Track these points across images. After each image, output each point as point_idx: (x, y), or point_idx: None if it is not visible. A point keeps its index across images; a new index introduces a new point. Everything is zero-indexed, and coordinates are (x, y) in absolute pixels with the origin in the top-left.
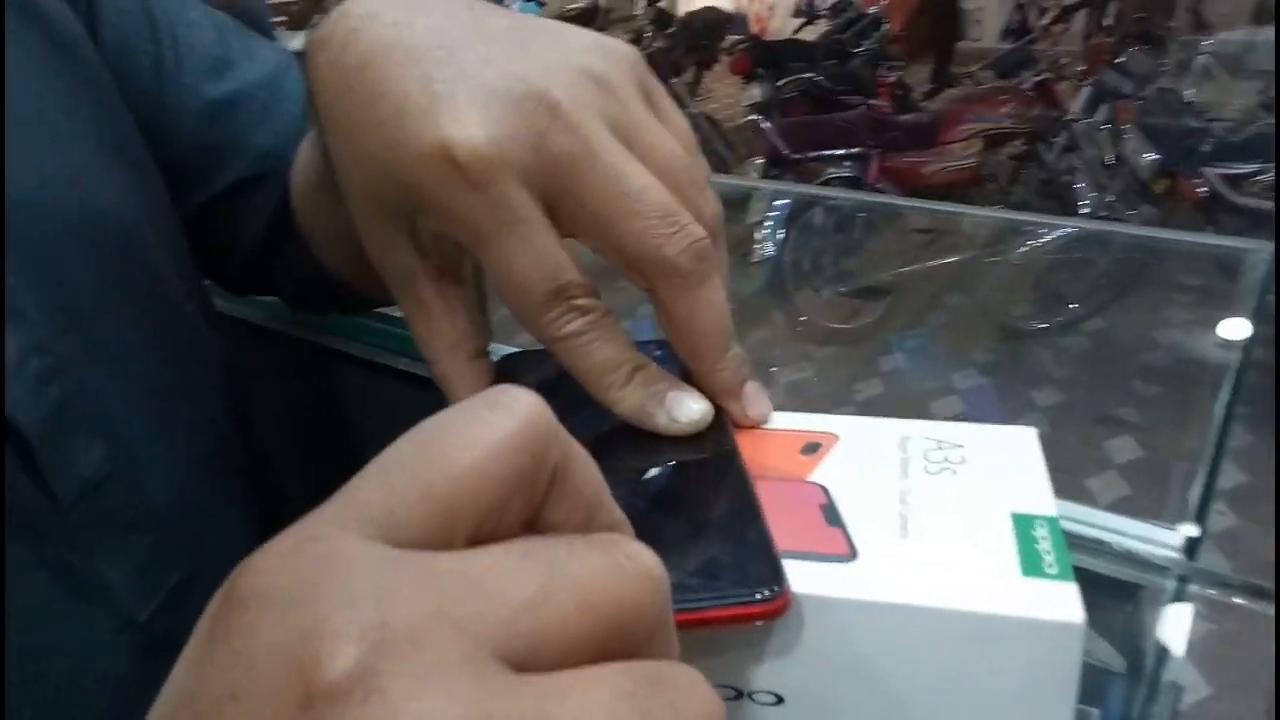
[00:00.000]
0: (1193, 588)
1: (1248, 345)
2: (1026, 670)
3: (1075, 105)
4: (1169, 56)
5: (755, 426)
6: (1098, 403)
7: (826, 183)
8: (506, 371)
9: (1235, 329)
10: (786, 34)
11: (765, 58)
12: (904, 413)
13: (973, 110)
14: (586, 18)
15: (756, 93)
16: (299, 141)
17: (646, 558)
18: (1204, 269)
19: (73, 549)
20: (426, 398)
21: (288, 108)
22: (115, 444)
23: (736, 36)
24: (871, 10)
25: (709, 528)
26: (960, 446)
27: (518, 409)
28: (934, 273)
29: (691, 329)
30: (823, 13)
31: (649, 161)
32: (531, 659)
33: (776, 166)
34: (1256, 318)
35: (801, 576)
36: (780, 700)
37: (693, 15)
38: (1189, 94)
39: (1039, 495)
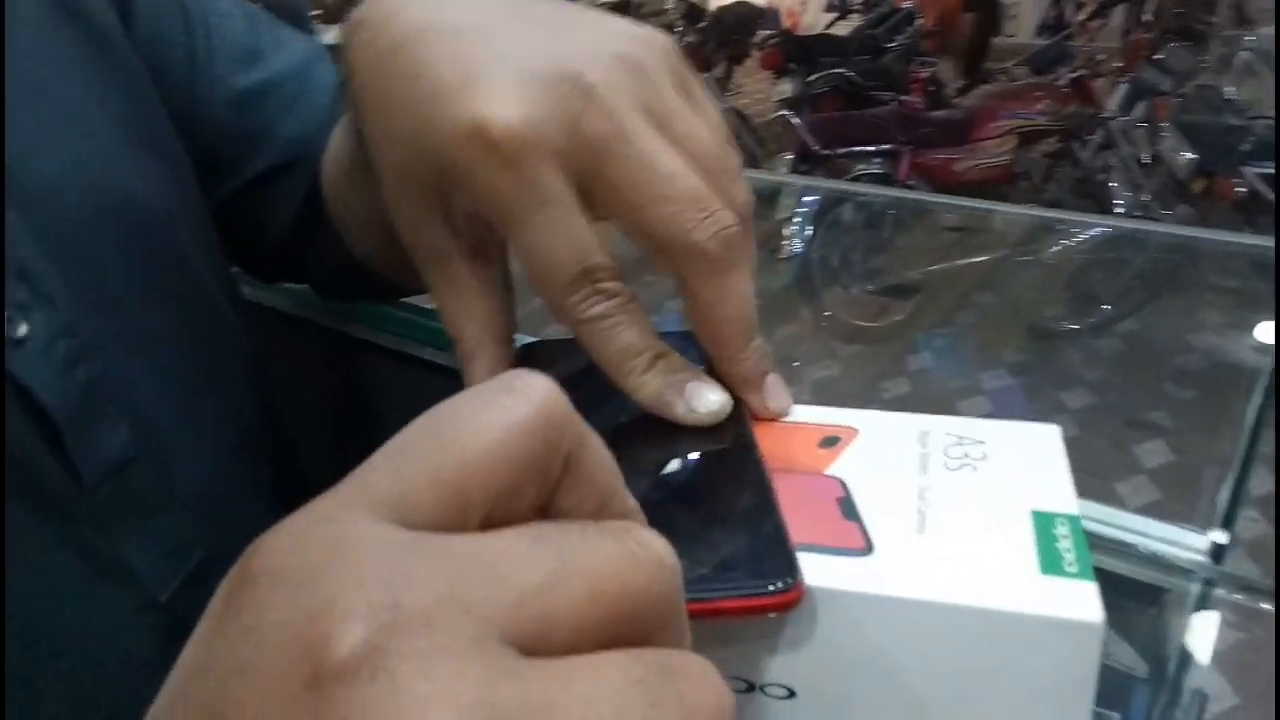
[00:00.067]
0: (1219, 593)
1: None
2: (1044, 670)
3: (1112, 102)
4: (1210, 52)
5: (774, 419)
6: (1129, 406)
7: (856, 179)
8: (527, 359)
9: (1271, 332)
10: (819, 29)
11: (797, 53)
12: (930, 412)
13: (1007, 107)
14: (618, 11)
15: (787, 88)
16: (328, 130)
17: (658, 546)
18: (1241, 270)
19: (97, 530)
20: (452, 387)
21: (317, 97)
22: (142, 427)
23: (768, 31)
24: (905, 5)
25: (724, 519)
26: (981, 443)
27: (532, 394)
28: (964, 271)
29: (716, 316)
30: (856, 7)
31: (682, 147)
32: (540, 643)
33: (806, 162)
34: None
35: (816, 570)
36: (792, 694)
37: (724, 10)
38: (1229, 91)
39: (1061, 493)
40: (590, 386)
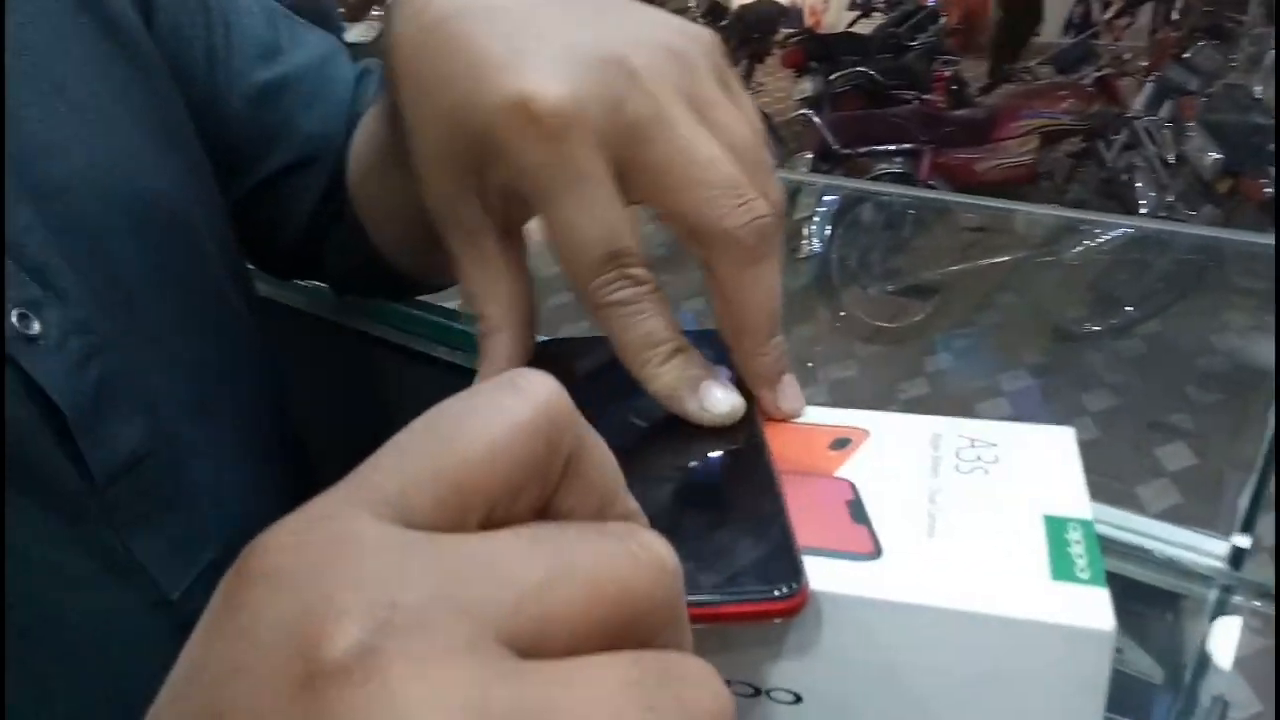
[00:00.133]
0: (1237, 599)
1: None
2: (1054, 677)
3: (1137, 102)
4: (1239, 51)
5: (785, 420)
6: (1151, 408)
7: (877, 178)
8: (542, 357)
9: None
10: (841, 27)
11: (818, 51)
12: (948, 414)
13: (1030, 106)
14: None
15: (808, 87)
16: (346, 126)
17: (659, 547)
18: (1266, 272)
19: (108, 527)
20: (465, 386)
21: (335, 93)
22: (154, 424)
23: (790, 29)
24: (929, 3)
25: (730, 522)
26: (994, 445)
27: (535, 394)
28: (985, 271)
29: (742, 305)
30: (879, 6)
31: (720, 138)
32: (538, 645)
33: (826, 161)
34: None
35: (824, 574)
36: (798, 699)
37: (746, 8)
38: (1258, 90)
39: (1074, 497)
40: (603, 385)
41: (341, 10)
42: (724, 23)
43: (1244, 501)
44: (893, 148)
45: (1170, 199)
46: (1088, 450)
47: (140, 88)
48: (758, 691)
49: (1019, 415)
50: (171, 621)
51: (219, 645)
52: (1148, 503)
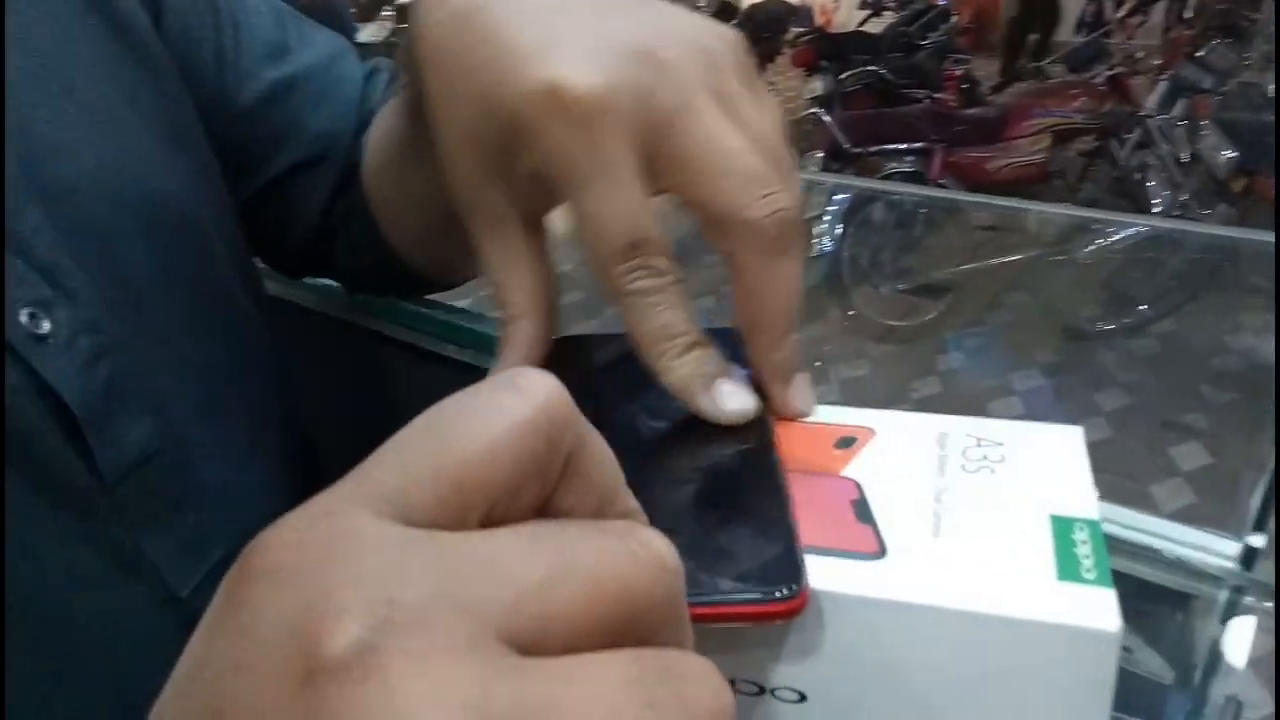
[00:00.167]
0: (1248, 599)
1: None
2: (1059, 679)
3: (1150, 100)
4: (1253, 50)
5: (795, 419)
6: (1165, 407)
7: (888, 177)
8: (559, 352)
9: None
10: (852, 26)
11: (829, 50)
12: (960, 413)
13: (1042, 105)
14: None
15: (819, 86)
16: (355, 124)
17: (660, 545)
18: None
19: (118, 525)
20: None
21: (344, 91)
22: (163, 423)
23: (800, 29)
24: (940, 1)
25: (734, 522)
26: (1001, 444)
27: (534, 392)
28: (997, 270)
29: (761, 297)
30: (890, 4)
31: (744, 132)
32: (537, 643)
33: (837, 161)
34: None
35: (828, 573)
36: (803, 698)
37: (756, 7)
38: (1273, 89)
39: (1081, 497)
40: (618, 381)
41: (353, 10)
42: (734, 22)
43: (1256, 501)
44: (904, 147)
45: (1184, 198)
46: (1101, 450)
47: (149, 89)
48: (762, 690)
49: (1031, 414)
50: (180, 620)
51: (220, 642)
52: (1161, 502)
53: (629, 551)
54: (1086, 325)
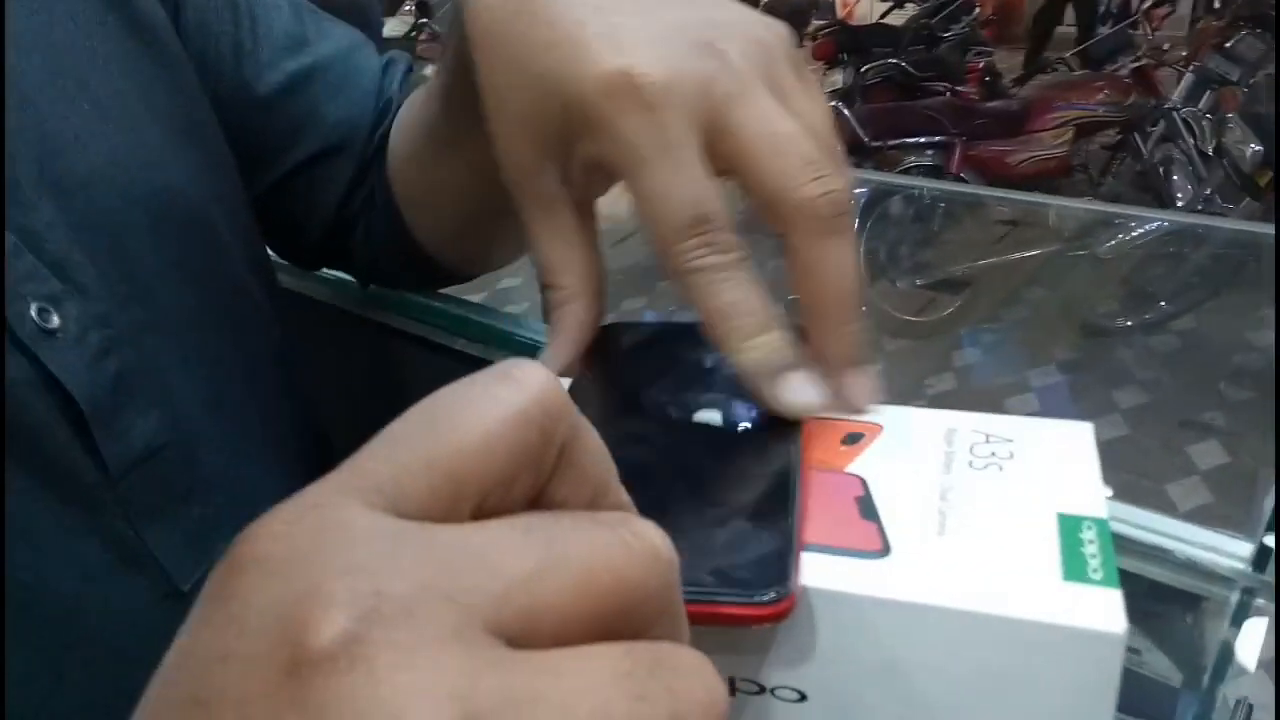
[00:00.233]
0: (1259, 601)
1: None
2: (1063, 680)
3: (1175, 93)
4: None
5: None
6: (1183, 405)
7: (907, 171)
8: (603, 338)
9: None
10: (873, 18)
11: (850, 43)
12: (975, 410)
13: (1064, 98)
14: None
15: (839, 79)
16: (373, 114)
17: (654, 536)
18: None
19: (122, 518)
20: None
21: (361, 81)
22: (170, 416)
23: (821, 21)
24: None
25: (736, 519)
26: (1009, 441)
27: (528, 383)
28: (1016, 265)
29: (818, 278)
30: None
31: (799, 120)
32: (528, 635)
33: (856, 154)
34: None
35: (830, 571)
36: (803, 697)
37: (777, 0)
38: None
39: (1089, 495)
40: (658, 368)
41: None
42: None
43: (1269, 502)
44: (924, 140)
45: (1207, 192)
46: (1117, 448)
47: (164, 85)
48: (762, 689)
49: (1047, 411)
50: (182, 614)
51: (207, 632)
52: (1178, 501)
53: (622, 542)
54: (1105, 321)
